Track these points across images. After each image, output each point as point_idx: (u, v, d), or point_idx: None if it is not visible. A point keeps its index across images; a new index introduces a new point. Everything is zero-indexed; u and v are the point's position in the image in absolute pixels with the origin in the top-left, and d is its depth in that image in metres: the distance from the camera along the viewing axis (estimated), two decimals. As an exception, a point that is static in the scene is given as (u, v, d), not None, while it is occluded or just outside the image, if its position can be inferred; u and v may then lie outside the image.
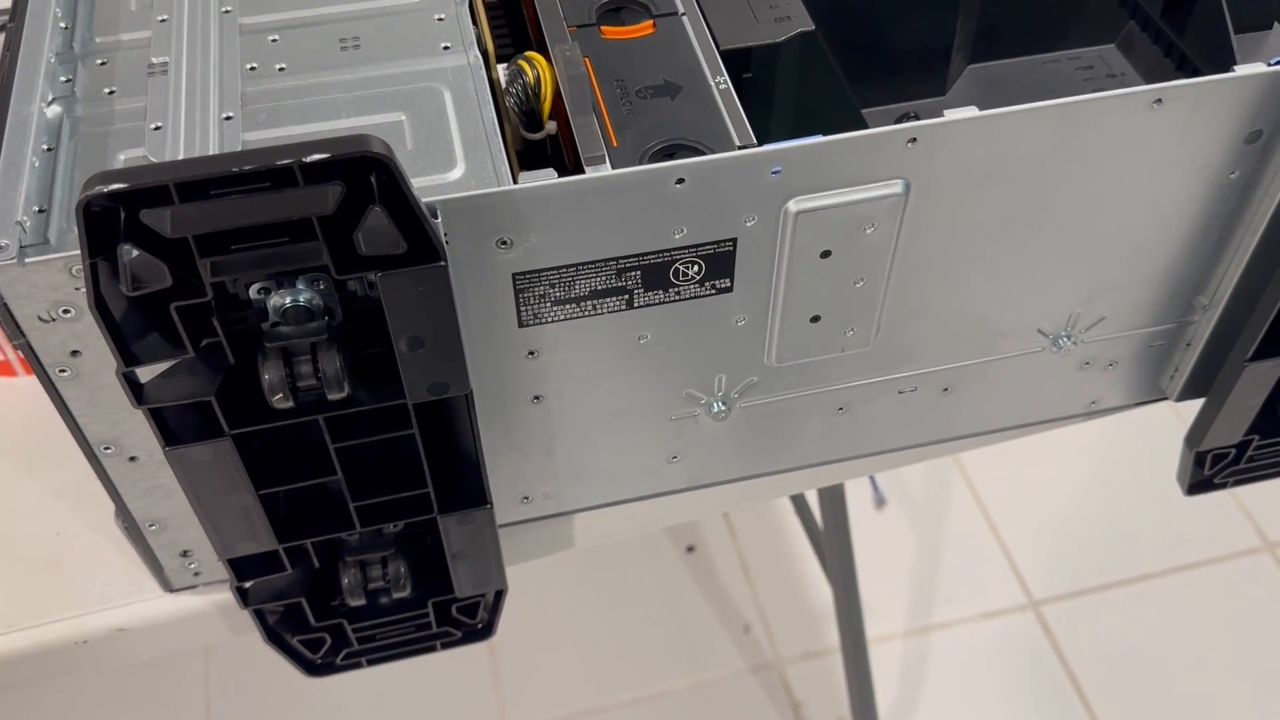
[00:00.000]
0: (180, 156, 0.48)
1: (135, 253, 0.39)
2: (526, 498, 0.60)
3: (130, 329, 0.42)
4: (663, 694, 1.37)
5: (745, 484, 0.65)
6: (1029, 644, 1.40)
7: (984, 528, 1.50)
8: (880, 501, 1.53)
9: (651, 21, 0.55)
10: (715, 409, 0.58)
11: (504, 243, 0.47)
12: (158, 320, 0.42)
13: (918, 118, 0.62)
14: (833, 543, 1.13)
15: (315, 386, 0.45)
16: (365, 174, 0.40)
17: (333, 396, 0.45)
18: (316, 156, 0.38)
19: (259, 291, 0.45)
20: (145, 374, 0.45)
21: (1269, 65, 0.50)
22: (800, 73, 0.57)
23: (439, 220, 0.44)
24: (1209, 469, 0.67)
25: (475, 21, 0.56)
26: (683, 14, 0.56)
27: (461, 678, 1.36)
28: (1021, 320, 0.59)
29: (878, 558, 1.47)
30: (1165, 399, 0.66)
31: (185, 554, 0.58)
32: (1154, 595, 1.44)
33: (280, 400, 0.44)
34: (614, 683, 1.37)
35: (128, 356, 0.42)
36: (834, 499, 1.11)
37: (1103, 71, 0.68)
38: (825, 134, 0.58)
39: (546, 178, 0.46)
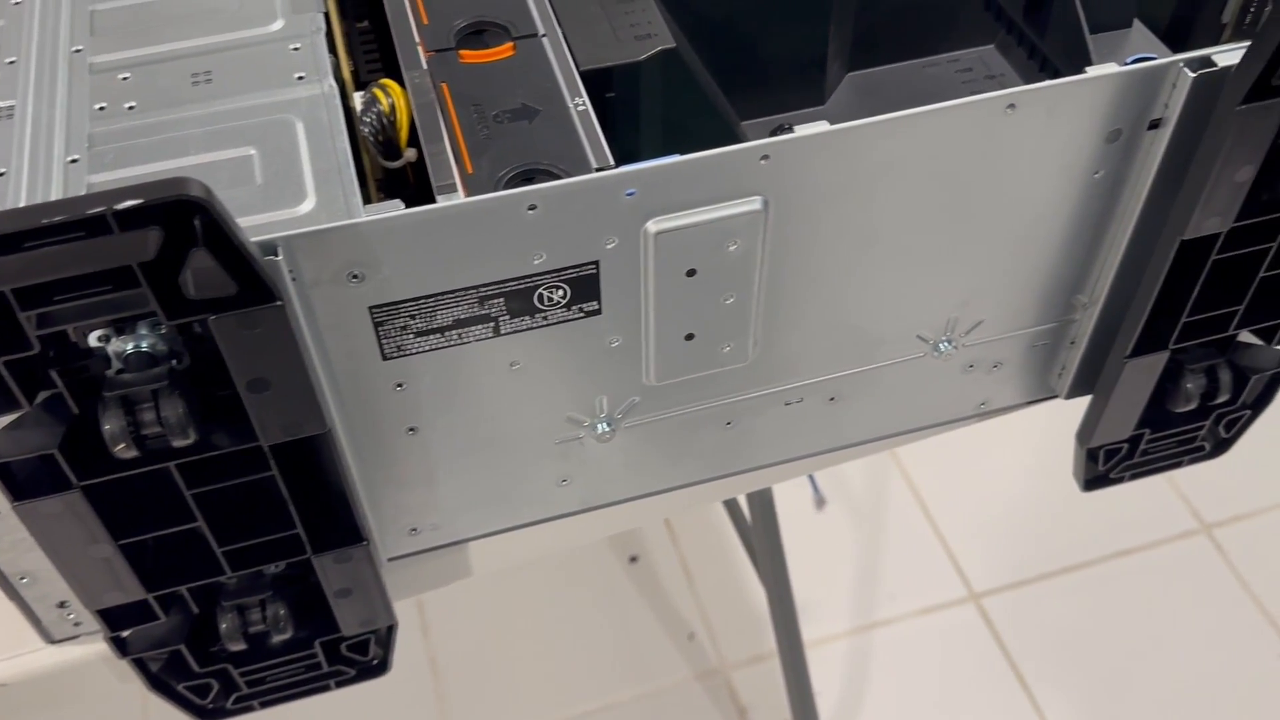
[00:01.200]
0: (21, 202, 0.47)
1: (-49, 310, 0.37)
2: (414, 529, 0.59)
3: (-42, 386, 0.40)
4: (609, 706, 1.36)
5: (645, 501, 0.64)
6: (971, 636, 1.41)
7: (923, 523, 1.51)
8: (820, 501, 1.53)
9: (512, 44, 0.55)
10: (600, 430, 0.58)
11: (355, 276, 0.46)
12: (-13, 376, 0.41)
13: (792, 129, 0.62)
14: (764, 546, 1.13)
15: (162, 434, 0.44)
16: (187, 217, 0.39)
17: (178, 444, 0.44)
18: (129, 203, 0.37)
19: (100, 339, 0.44)
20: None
21: (1122, 65, 0.51)
22: (665, 90, 0.56)
23: (279, 257, 0.43)
24: (1103, 464, 0.67)
25: (333, 49, 0.55)
26: (543, 35, 0.55)
27: (404, 698, 1.35)
28: (899, 327, 0.58)
29: (820, 558, 1.47)
30: (1056, 397, 0.66)
31: (62, 605, 0.56)
32: (1094, 582, 1.45)
33: (123, 450, 0.43)
34: (560, 698, 1.36)
35: (-41, 414, 0.41)
36: (763, 503, 1.10)
37: (982, 73, 0.69)
38: (695, 150, 0.58)
39: (393, 209, 0.45)
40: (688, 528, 1.51)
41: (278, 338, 0.43)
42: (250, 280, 0.41)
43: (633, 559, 1.48)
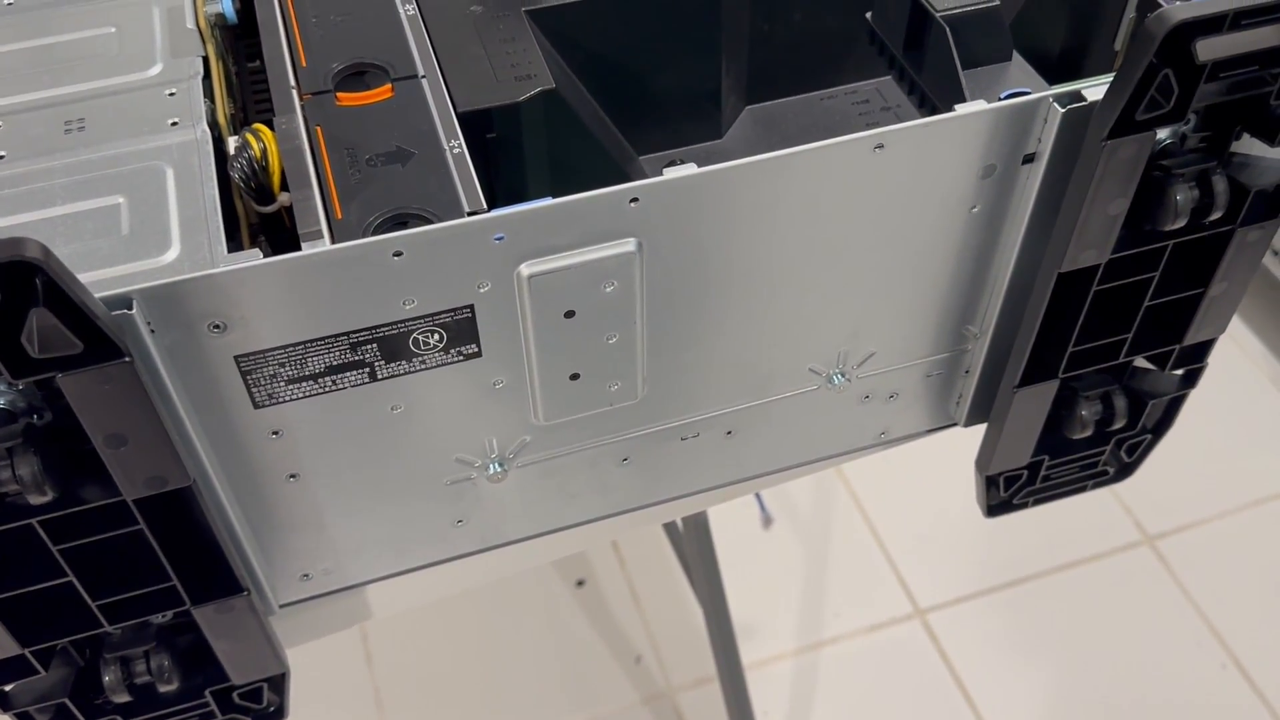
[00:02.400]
0: (-122, 257, 0.47)
1: None
2: (306, 575, 0.59)
3: None
4: (557, 732, 1.36)
5: (549, 537, 0.64)
6: (916, 652, 1.41)
7: (869, 540, 1.51)
8: (767, 520, 1.53)
9: (390, 85, 0.54)
10: (491, 470, 0.57)
11: (217, 326, 0.46)
12: None
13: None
14: (699, 567, 1.13)
15: (20, 491, 0.43)
16: (27, 275, 0.38)
17: (35, 501, 0.43)
18: (-42, 266, 0.36)
19: (-46, 397, 0.44)
20: None
21: (991, 102, 0.51)
22: (548, 129, 0.56)
23: (134, 311, 0.43)
24: (1004, 491, 0.67)
25: (210, 94, 0.55)
26: (422, 76, 0.55)
27: (347, 733, 1.34)
28: (789, 362, 0.59)
29: (766, 577, 1.47)
30: (954, 425, 0.67)
31: (-58, 659, 0.55)
32: (1038, 596, 1.46)
33: (-23, 510, 0.43)
34: (507, 725, 1.36)
35: None
36: (698, 525, 1.10)
37: (878, 105, 0.69)
38: (581, 188, 0.58)
39: (250, 259, 0.45)
40: (635, 551, 1.51)
41: (129, 393, 0.42)
42: (96, 337, 0.40)
43: (580, 583, 1.48)
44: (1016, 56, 0.57)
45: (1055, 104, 0.50)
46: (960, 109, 0.50)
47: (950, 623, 1.43)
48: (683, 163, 0.62)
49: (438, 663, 1.40)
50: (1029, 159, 0.53)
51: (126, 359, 0.41)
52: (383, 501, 0.57)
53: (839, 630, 1.43)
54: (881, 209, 0.52)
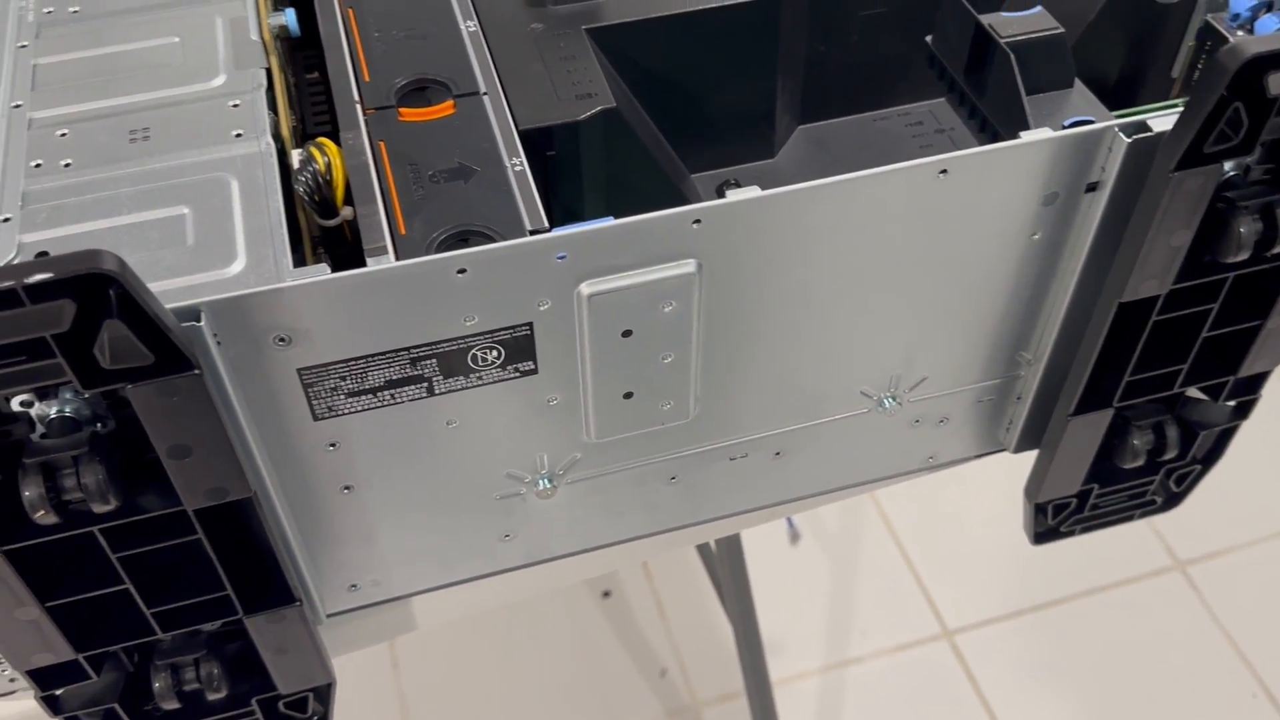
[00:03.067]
0: (-52, 263, 0.47)
1: None
2: (354, 585, 0.59)
3: (-128, 454, 0.40)
4: (580, 744, 1.36)
5: (592, 554, 0.64)
6: (943, 674, 1.40)
7: (898, 558, 1.51)
8: (795, 536, 1.52)
9: (453, 102, 0.55)
10: (541, 486, 0.57)
11: (282, 339, 0.46)
12: (-99, 444, 0.40)
13: (738, 184, 0.62)
14: (730, 584, 1.13)
15: (84, 499, 0.44)
16: (101, 288, 0.39)
17: (98, 509, 0.44)
18: (39, 277, 0.37)
19: (23, 403, 0.44)
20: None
21: (1057, 130, 0.51)
22: (606, 148, 0.56)
23: (202, 323, 0.43)
24: (1052, 518, 0.67)
25: (273, 106, 0.55)
26: (484, 93, 0.55)
27: (372, 738, 1.34)
28: (841, 384, 0.58)
29: (793, 593, 1.46)
30: (1004, 450, 0.66)
31: (-4, 662, 0.56)
32: (1068, 619, 1.45)
33: (43, 517, 0.43)
34: (531, 735, 1.36)
35: (-127, 482, 0.41)
36: (730, 541, 1.10)
37: (932, 126, 0.69)
38: (636, 206, 0.58)
39: (319, 273, 0.45)
40: (662, 563, 1.51)
41: (197, 405, 0.42)
42: (167, 349, 0.40)
43: (606, 594, 1.48)
44: (1077, 82, 0.57)
45: (1121, 134, 0.50)
46: (1025, 137, 0.50)
47: (978, 645, 1.42)
48: (737, 182, 0.63)
49: (463, 671, 1.40)
50: (1092, 187, 0.52)
51: (196, 371, 0.41)
52: (433, 514, 0.57)
53: (866, 649, 1.42)
54: (942, 234, 0.52)
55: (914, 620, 1.45)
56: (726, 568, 1.10)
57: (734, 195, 0.48)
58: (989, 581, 1.48)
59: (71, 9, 0.60)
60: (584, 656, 1.42)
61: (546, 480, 0.57)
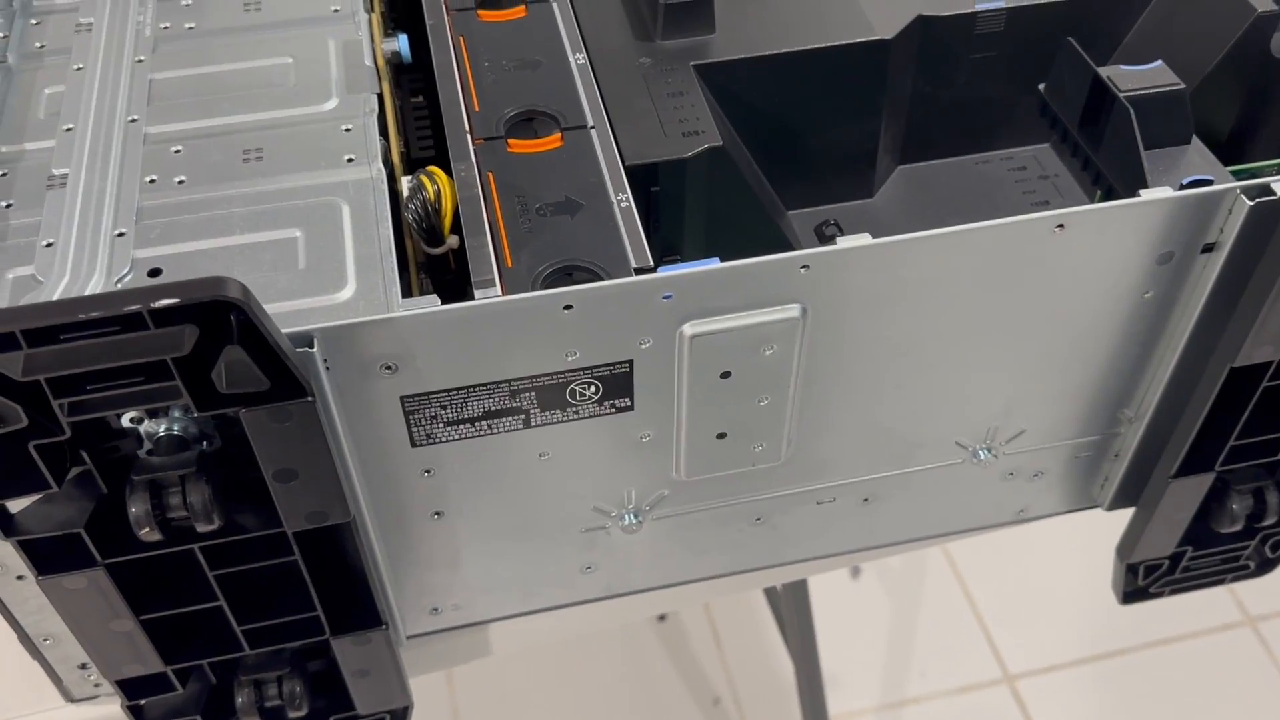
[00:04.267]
0: (66, 276, 0.48)
1: (-14, 394, 0.38)
2: (435, 609, 0.59)
3: (-9, 465, 0.41)
4: (630, 767, 1.35)
5: (670, 589, 0.63)
6: (1003, 719, 1.37)
7: (960, 599, 1.48)
8: (856, 570, 1.51)
9: (560, 135, 0.55)
10: (627, 521, 0.57)
11: (389, 367, 0.46)
12: (20, 456, 0.41)
13: (838, 225, 0.62)
14: (794, 619, 1.12)
15: (187, 517, 0.44)
16: (223, 313, 0.39)
17: (201, 529, 0.44)
18: (165, 302, 0.37)
19: (133, 420, 0.45)
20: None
21: (1176, 189, 0.50)
22: (710, 185, 0.56)
23: (314, 349, 0.44)
24: (1143, 579, 0.65)
25: (384, 132, 0.56)
26: (592, 127, 0.55)
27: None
28: (937, 433, 0.57)
29: (852, 628, 1.44)
30: (1097, 507, 0.65)
31: (83, 666, 0.57)
32: (1132, 670, 1.42)
33: (148, 534, 0.44)
34: (581, 756, 1.35)
35: (-10, 492, 0.41)
36: (797, 583, 1.09)
37: (1036, 172, 0.68)
38: (735, 242, 0.58)
39: (429, 305, 0.45)
40: (719, 589, 1.49)
41: (307, 431, 0.43)
42: (282, 375, 0.41)
43: (661, 617, 1.47)
44: (1195, 139, 0.55)
45: (1243, 196, 0.49)
46: (1145, 195, 0.49)
47: (1040, 691, 1.40)
48: (836, 223, 0.62)
49: (516, 687, 1.40)
50: (1209, 248, 0.51)
51: (310, 399, 0.42)
52: (518, 543, 0.57)
53: (924, 690, 1.40)
54: (1053, 289, 0.51)
55: (975, 662, 1.42)
56: (791, 604, 1.09)
57: (844, 242, 0.47)
58: (1053, 626, 1.45)
59: (188, 25, 0.62)
60: (637, 679, 1.41)
61: (633, 515, 0.57)
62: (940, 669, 1.42)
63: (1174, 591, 0.67)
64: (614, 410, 0.51)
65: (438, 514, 0.54)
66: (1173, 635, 1.45)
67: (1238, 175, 0.55)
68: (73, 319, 0.37)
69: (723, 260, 0.48)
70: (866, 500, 0.61)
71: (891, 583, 1.50)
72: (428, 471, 0.51)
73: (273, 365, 0.40)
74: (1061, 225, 0.48)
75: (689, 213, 0.57)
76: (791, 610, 1.09)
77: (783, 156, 0.63)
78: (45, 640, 0.54)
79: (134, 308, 0.37)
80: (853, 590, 1.49)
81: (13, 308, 0.37)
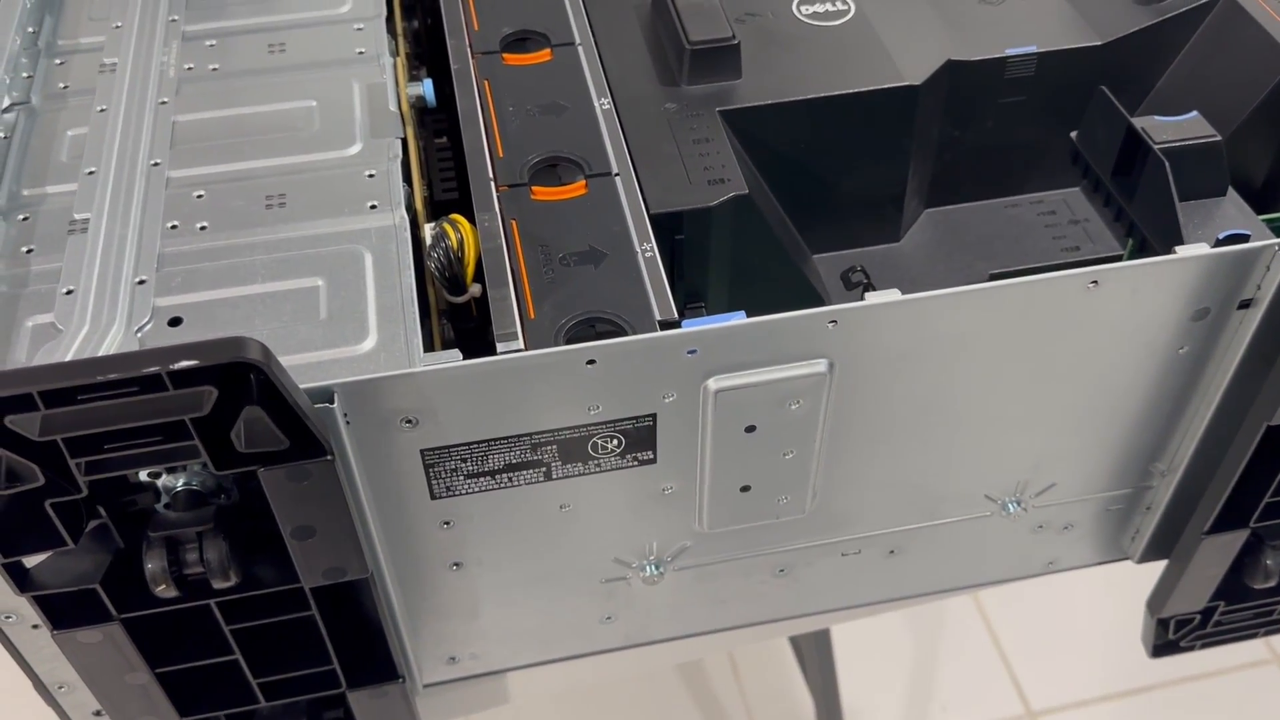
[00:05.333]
0: (86, 325, 0.48)
1: (4, 455, 0.37)
2: (453, 658, 0.58)
3: (8, 523, 0.40)
4: (646, 801, 1.33)
5: (690, 640, 0.62)
6: (1026, 757, 1.35)
7: (983, 633, 1.46)
8: (876, 602, 1.49)
9: (584, 182, 0.54)
10: (647, 573, 0.56)
11: (410, 421, 0.46)
12: (36, 513, 0.41)
13: (865, 272, 0.61)
14: (814, 656, 1.10)
15: (204, 573, 0.44)
16: (242, 371, 0.38)
17: (218, 585, 0.44)
18: (184, 364, 0.37)
19: (150, 474, 0.44)
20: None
21: (1212, 246, 0.49)
22: (735, 233, 0.55)
23: (335, 405, 0.43)
24: (1173, 633, 0.64)
25: (407, 177, 0.55)
26: (616, 174, 0.54)
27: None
28: (966, 487, 0.56)
29: (873, 661, 1.43)
30: (1127, 559, 0.64)
31: (98, 714, 0.56)
32: (1157, 707, 1.39)
33: (164, 590, 0.43)
34: (596, 787, 1.34)
35: (6, 549, 0.41)
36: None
37: (1065, 217, 0.67)
38: (760, 288, 0.57)
39: (451, 359, 0.45)
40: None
41: (326, 490, 0.42)
42: (302, 435, 0.40)
43: (680, 648, 1.45)
44: (1230, 190, 0.54)
45: (1281, 251, 0.48)
46: (1182, 252, 0.48)
47: (1064, 729, 1.38)
48: (864, 270, 0.61)
49: (528, 717, 1.39)
50: (1245, 304, 0.50)
51: (329, 458, 0.41)
52: (537, 594, 0.56)
53: (945, 725, 1.38)
54: (1086, 345, 0.50)
55: (997, 698, 1.40)
56: (811, 639, 1.08)
57: (873, 298, 0.46)
58: (1077, 662, 1.43)
59: (212, 66, 0.61)
60: (655, 712, 1.40)
61: (654, 567, 0.56)
62: (963, 703, 1.40)
63: (1205, 645, 0.65)
64: (636, 463, 0.51)
65: (456, 565, 0.53)
66: (1199, 672, 1.43)
67: (1272, 224, 0.54)
68: (91, 380, 0.36)
69: (748, 309, 0.47)
70: (892, 552, 0.59)
71: (913, 616, 1.48)
72: (447, 523, 0.51)
73: (292, 424, 0.40)
74: (1095, 282, 0.47)
75: (713, 260, 0.56)
76: (812, 646, 1.08)
77: (808, 201, 0.62)
78: (60, 688, 0.54)
79: (152, 369, 0.36)
80: (874, 624, 1.47)
81: (30, 368, 0.37)
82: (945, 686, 1.41)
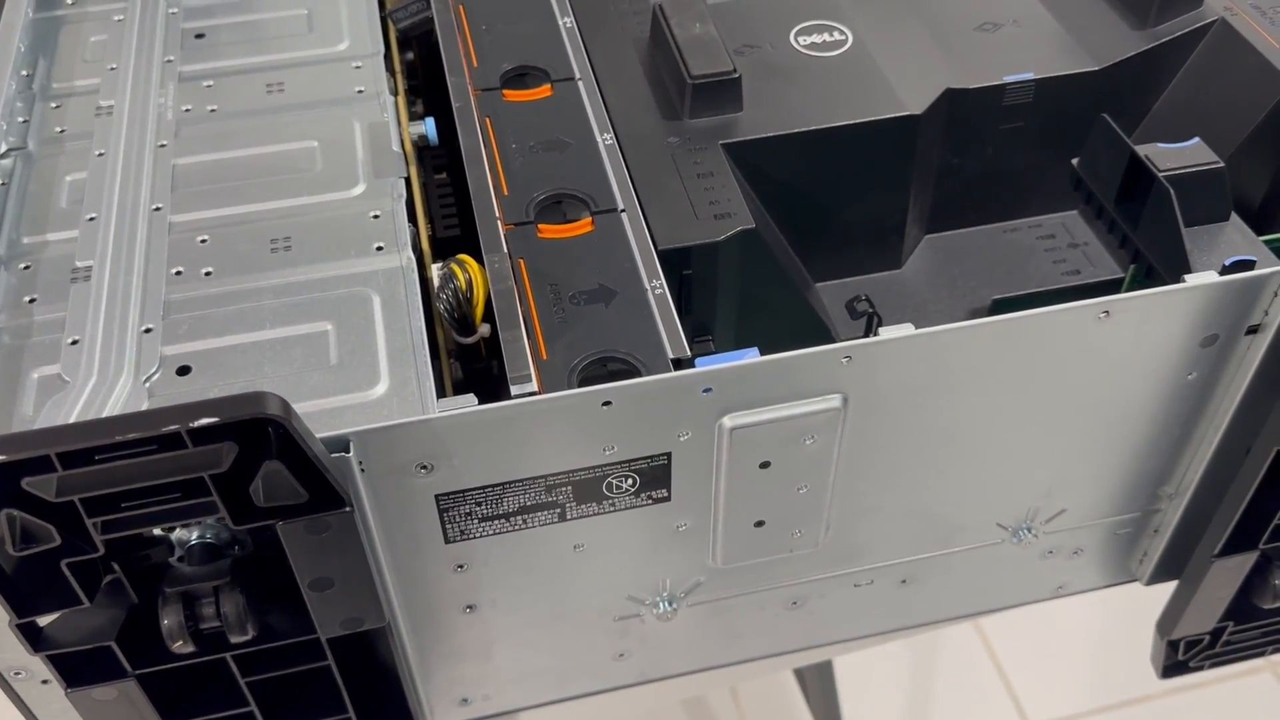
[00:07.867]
0: (94, 376, 0.47)
1: (20, 516, 0.37)
2: (465, 700, 0.58)
3: (23, 582, 0.40)
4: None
5: (704, 674, 0.62)
6: (1026, 771, 1.36)
7: (980, 648, 1.47)
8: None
9: (590, 219, 0.54)
10: (661, 609, 0.56)
11: (424, 467, 0.45)
12: (51, 573, 0.40)
13: (869, 301, 0.61)
14: (816, 684, 1.10)
15: (220, 627, 0.43)
16: (260, 426, 0.38)
17: (235, 639, 0.43)
18: (204, 421, 0.36)
19: (165, 529, 0.44)
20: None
21: (1219, 271, 0.49)
22: (741, 267, 0.55)
23: (351, 453, 0.43)
24: (1183, 653, 0.64)
25: (412, 217, 0.55)
26: (622, 210, 0.54)
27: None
28: (978, 516, 0.56)
29: (873, 680, 1.43)
30: (1136, 581, 0.64)
31: (108, 765, 0.55)
32: (1154, 717, 1.40)
33: (180, 646, 0.42)
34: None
35: (21, 609, 0.40)
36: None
37: (1065, 240, 0.67)
38: (766, 320, 0.57)
39: (466, 405, 0.44)
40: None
41: (345, 541, 0.42)
42: (321, 487, 0.40)
43: (677, 670, 1.45)
44: (1233, 215, 0.55)
45: (1288, 277, 0.48)
46: (1191, 280, 0.48)
47: (1062, 742, 1.38)
48: (868, 299, 0.61)
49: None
50: (1253, 330, 0.50)
51: (348, 509, 0.41)
52: (550, 633, 0.56)
53: (945, 741, 1.38)
54: (1097, 373, 0.50)
55: (996, 712, 1.40)
56: (815, 674, 1.08)
57: (887, 333, 0.46)
58: (1073, 674, 1.44)
59: (209, 107, 0.61)
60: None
61: (667, 603, 0.56)
62: (961, 718, 1.40)
63: (1213, 665, 0.65)
64: (651, 501, 0.50)
65: (470, 608, 0.53)
66: (1195, 682, 1.42)
67: (1273, 246, 0.54)
68: (109, 440, 0.36)
69: (755, 342, 0.47)
70: (904, 581, 0.59)
71: (912, 632, 1.48)
72: (461, 567, 0.50)
73: (311, 477, 0.39)
74: (1107, 312, 0.48)
75: (721, 294, 0.56)
76: (814, 669, 1.08)
77: (811, 231, 0.62)
78: (69, 741, 0.53)
79: (172, 428, 0.36)
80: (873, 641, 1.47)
81: (46, 430, 0.36)
82: (943, 701, 1.41)
